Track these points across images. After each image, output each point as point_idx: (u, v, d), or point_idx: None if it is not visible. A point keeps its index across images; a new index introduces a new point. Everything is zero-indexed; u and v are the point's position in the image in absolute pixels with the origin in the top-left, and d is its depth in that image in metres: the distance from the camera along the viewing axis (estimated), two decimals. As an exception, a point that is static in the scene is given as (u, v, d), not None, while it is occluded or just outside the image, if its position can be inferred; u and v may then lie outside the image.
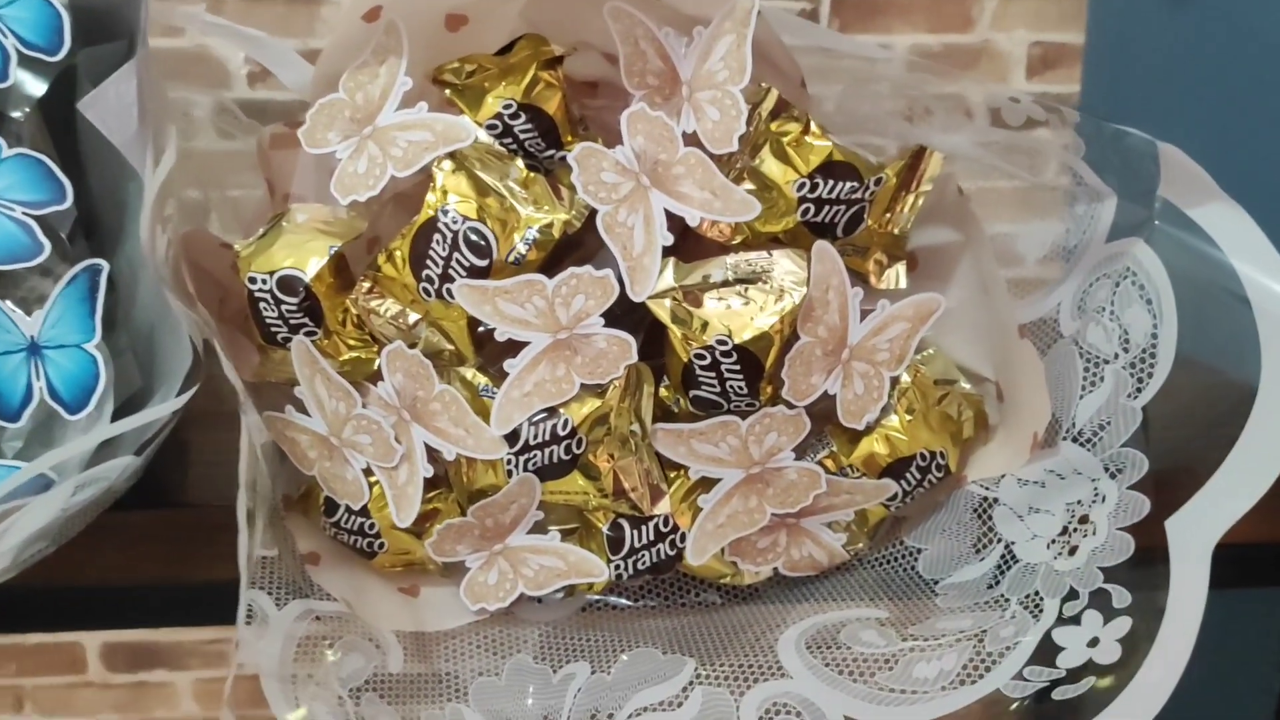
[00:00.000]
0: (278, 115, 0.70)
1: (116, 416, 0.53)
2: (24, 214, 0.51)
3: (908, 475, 0.52)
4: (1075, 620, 0.45)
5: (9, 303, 0.52)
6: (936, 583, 0.51)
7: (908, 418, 0.51)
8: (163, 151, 0.50)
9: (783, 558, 0.54)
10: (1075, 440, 0.50)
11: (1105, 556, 0.46)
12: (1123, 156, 0.48)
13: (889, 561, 0.54)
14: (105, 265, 0.53)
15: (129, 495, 0.56)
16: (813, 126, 0.51)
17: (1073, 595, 0.46)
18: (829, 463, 0.53)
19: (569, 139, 0.52)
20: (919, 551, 0.53)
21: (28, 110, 0.51)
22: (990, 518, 0.52)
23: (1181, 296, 0.47)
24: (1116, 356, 0.48)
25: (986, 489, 0.52)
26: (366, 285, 0.52)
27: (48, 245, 0.52)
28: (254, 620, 0.46)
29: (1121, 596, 0.45)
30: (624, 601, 0.54)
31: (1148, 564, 0.45)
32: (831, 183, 0.51)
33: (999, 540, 0.51)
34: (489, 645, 0.53)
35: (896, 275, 0.54)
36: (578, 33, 0.55)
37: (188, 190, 0.62)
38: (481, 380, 0.52)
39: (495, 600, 0.54)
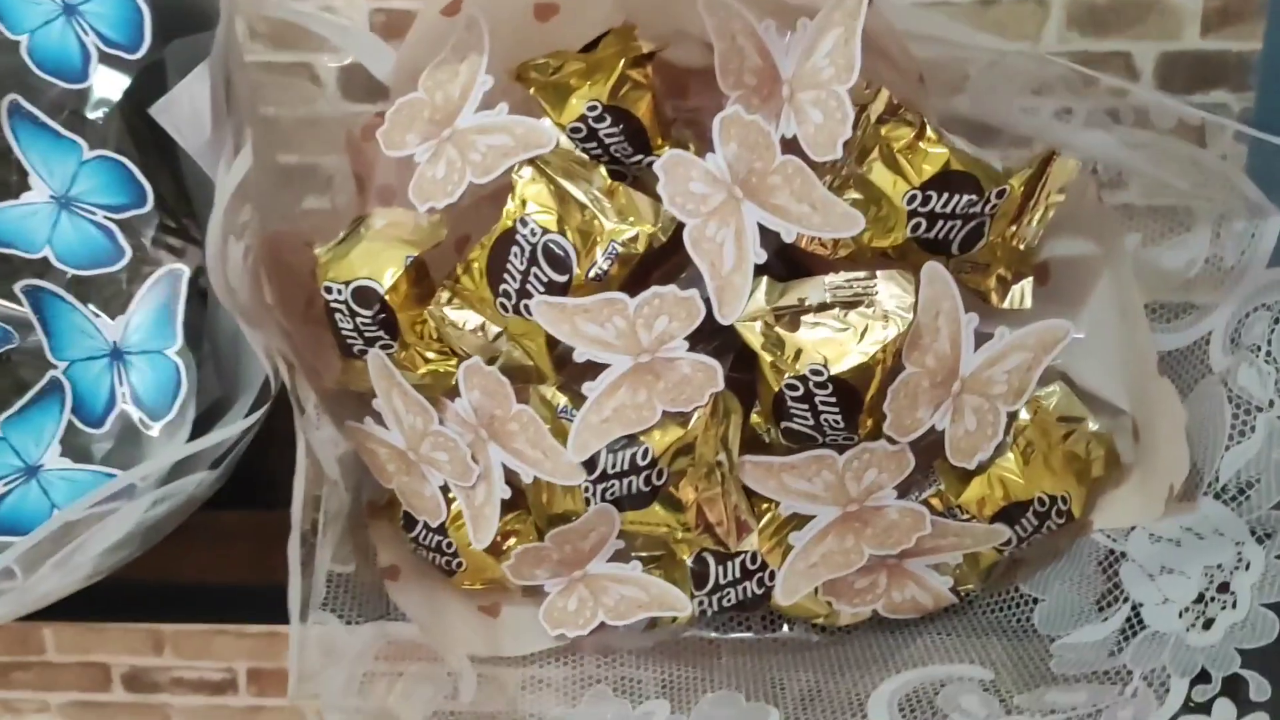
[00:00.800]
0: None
1: (198, 424, 0.52)
2: (105, 218, 0.51)
3: (1023, 520, 0.47)
4: (1205, 709, 0.40)
5: (92, 307, 0.51)
6: (1052, 640, 0.46)
7: (1025, 458, 0.46)
8: (236, 154, 0.48)
9: (883, 599, 0.50)
10: (1218, 496, 0.43)
11: (1246, 636, 0.40)
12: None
13: (1002, 609, 0.49)
14: (186, 270, 0.52)
15: (222, 494, 0.56)
16: (928, 131, 0.46)
17: (1204, 678, 0.40)
18: (935, 502, 0.48)
19: (659, 143, 0.48)
20: (1035, 602, 0.48)
21: (107, 111, 0.50)
22: (1117, 573, 0.46)
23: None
24: (1272, 404, 0.42)
25: (1114, 541, 0.46)
26: (446, 296, 0.50)
27: (129, 250, 0.51)
28: (320, 649, 0.45)
29: (1261, 688, 0.39)
30: (711, 634, 0.51)
31: (1295, 650, 0.39)
32: (947, 195, 0.45)
33: (1125, 600, 0.45)
34: (568, 673, 0.51)
35: (1021, 294, 0.48)
36: (678, 20, 0.51)
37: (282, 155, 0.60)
38: (561, 400, 0.49)
39: (575, 627, 0.51)
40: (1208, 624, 0.42)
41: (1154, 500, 0.45)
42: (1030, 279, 0.48)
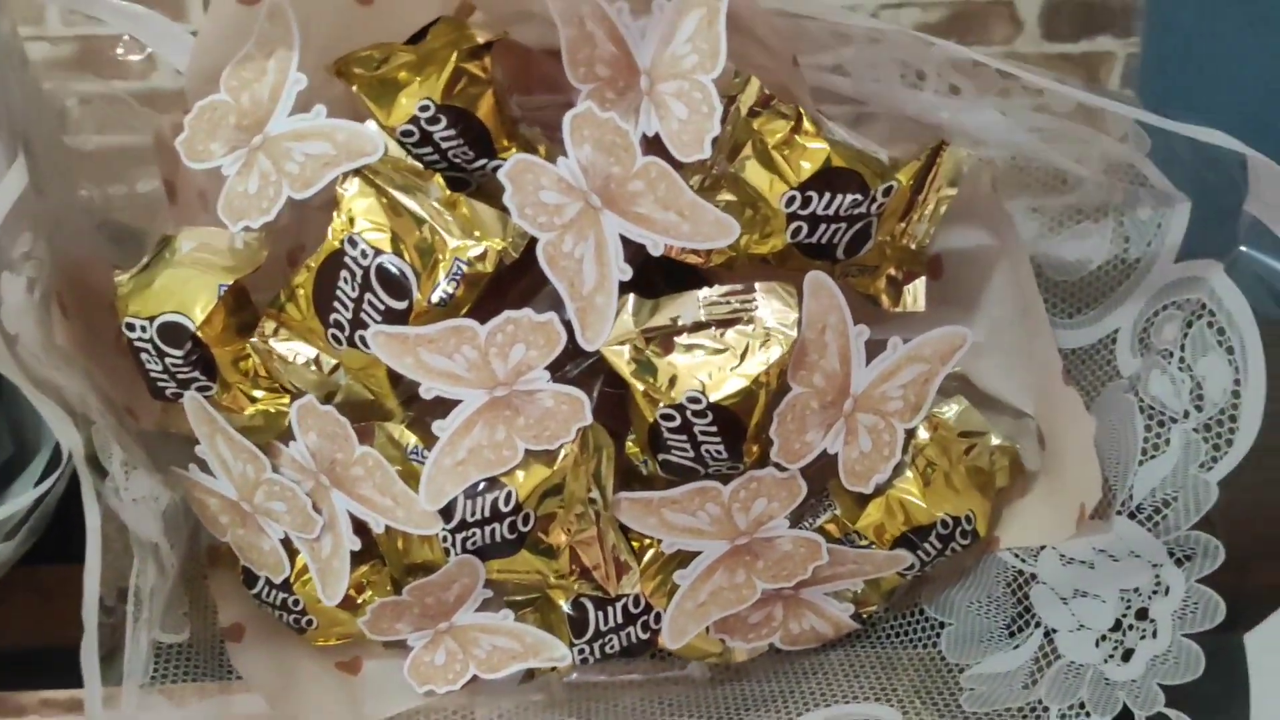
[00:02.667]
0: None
1: (-6, 486, 0.46)
2: None
3: (926, 545, 0.43)
4: (1128, 753, 0.37)
5: None
6: (961, 670, 0.43)
7: (926, 479, 0.42)
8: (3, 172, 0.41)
9: (779, 632, 0.45)
10: (1132, 516, 0.40)
11: (1169, 671, 0.37)
12: (1197, 160, 0.37)
13: (907, 634, 0.46)
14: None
15: (39, 548, 0.50)
16: (805, 123, 0.41)
17: (1126, 716, 0.37)
18: (832, 528, 0.44)
19: (505, 145, 0.43)
20: (942, 626, 0.45)
21: None
22: (1027, 596, 0.43)
23: (1272, 345, 0.37)
24: (1187, 415, 0.39)
25: (1023, 561, 0.43)
26: (271, 327, 0.43)
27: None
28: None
29: (1186, 731, 0.36)
30: (599, 677, 0.47)
31: (1223, 687, 0.36)
32: (829, 195, 0.40)
33: (1037, 625, 0.42)
34: (445, 733, 0.46)
35: (914, 294, 0.44)
36: (523, 1, 0.45)
37: (81, 190, 0.53)
38: (411, 439, 0.43)
39: (444, 682, 0.46)
40: (1127, 655, 0.39)
41: (1063, 519, 0.42)
42: (923, 279, 0.43)
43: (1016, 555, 0.43)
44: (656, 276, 0.44)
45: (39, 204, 0.44)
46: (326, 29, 0.43)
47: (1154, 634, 0.39)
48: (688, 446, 0.41)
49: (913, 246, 0.43)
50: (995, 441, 0.44)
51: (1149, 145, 0.38)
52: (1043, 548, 0.42)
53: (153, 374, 0.43)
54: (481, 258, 0.41)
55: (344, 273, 0.41)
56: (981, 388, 0.45)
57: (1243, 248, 0.37)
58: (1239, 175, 0.36)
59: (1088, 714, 0.38)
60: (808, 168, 0.41)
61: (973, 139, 0.45)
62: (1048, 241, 0.44)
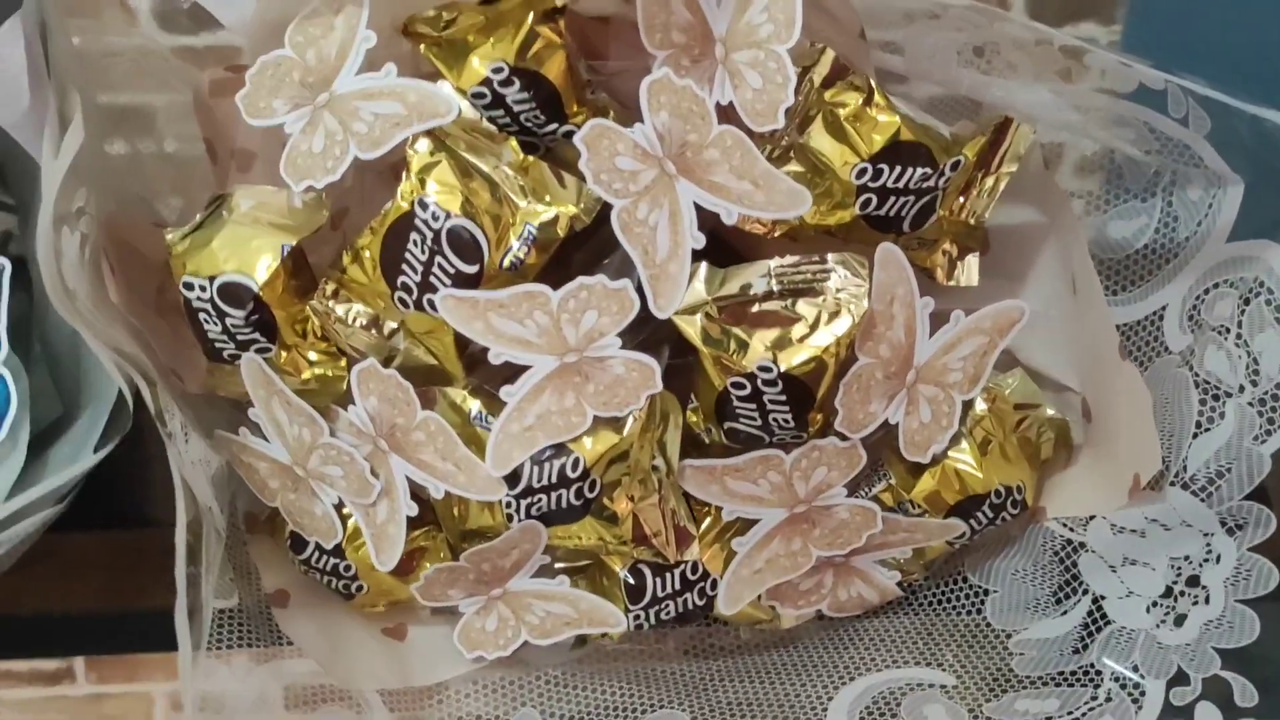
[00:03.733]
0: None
1: (34, 445, 0.45)
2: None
3: (979, 514, 0.45)
4: (1187, 713, 0.38)
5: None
6: (1009, 636, 0.44)
7: (982, 449, 0.43)
8: (66, 128, 0.40)
9: (828, 599, 0.46)
10: (1185, 486, 0.42)
11: (1224, 635, 0.39)
12: (1255, 140, 0.39)
13: (949, 602, 0.47)
14: (6, 264, 0.44)
15: (68, 515, 0.49)
16: (876, 96, 0.41)
17: (1181, 679, 0.39)
18: (886, 497, 0.45)
19: (575, 110, 0.42)
20: (986, 594, 0.46)
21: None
22: (1075, 565, 0.44)
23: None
24: (1242, 389, 0.40)
25: (1071, 530, 0.44)
26: (331, 289, 0.43)
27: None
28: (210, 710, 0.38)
29: (1246, 692, 0.37)
30: (640, 646, 0.47)
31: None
32: (899, 169, 0.41)
33: (1084, 592, 0.44)
34: (489, 697, 0.46)
35: (968, 269, 0.45)
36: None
37: (114, 144, 0.52)
38: (474, 405, 0.43)
39: (495, 648, 0.47)
40: (1179, 620, 0.41)
41: (1116, 490, 0.43)
42: (977, 254, 0.44)
43: (1065, 525, 0.44)
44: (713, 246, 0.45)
45: (89, 158, 0.43)
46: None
47: (1206, 600, 0.40)
48: (755, 415, 0.42)
49: (971, 222, 0.44)
50: (1048, 414, 0.45)
51: (1209, 126, 0.39)
52: (1092, 517, 0.43)
53: (211, 335, 0.43)
54: (553, 223, 0.41)
55: (414, 235, 0.41)
56: (1025, 362, 0.46)
57: (1304, 229, 0.38)
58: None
59: (1142, 676, 0.40)
60: (879, 140, 0.41)
61: (1023, 116, 0.45)
62: (1093, 220, 0.45)
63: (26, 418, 0.44)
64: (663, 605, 0.45)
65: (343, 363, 0.44)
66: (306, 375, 0.44)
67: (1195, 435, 0.41)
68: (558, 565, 0.46)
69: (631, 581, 0.45)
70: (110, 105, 0.50)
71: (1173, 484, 0.42)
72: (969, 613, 0.46)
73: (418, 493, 0.44)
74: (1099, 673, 0.41)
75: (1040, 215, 0.45)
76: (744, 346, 0.41)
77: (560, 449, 0.42)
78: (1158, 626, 0.41)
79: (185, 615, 0.37)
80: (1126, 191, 0.45)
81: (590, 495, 0.43)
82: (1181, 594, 0.41)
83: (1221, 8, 0.85)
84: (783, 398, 0.41)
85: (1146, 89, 0.41)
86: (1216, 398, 0.41)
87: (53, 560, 0.50)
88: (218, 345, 0.43)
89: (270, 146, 0.48)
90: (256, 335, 0.43)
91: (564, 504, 0.43)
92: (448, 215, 0.40)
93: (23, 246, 0.47)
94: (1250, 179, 0.41)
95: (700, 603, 0.45)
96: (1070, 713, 0.40)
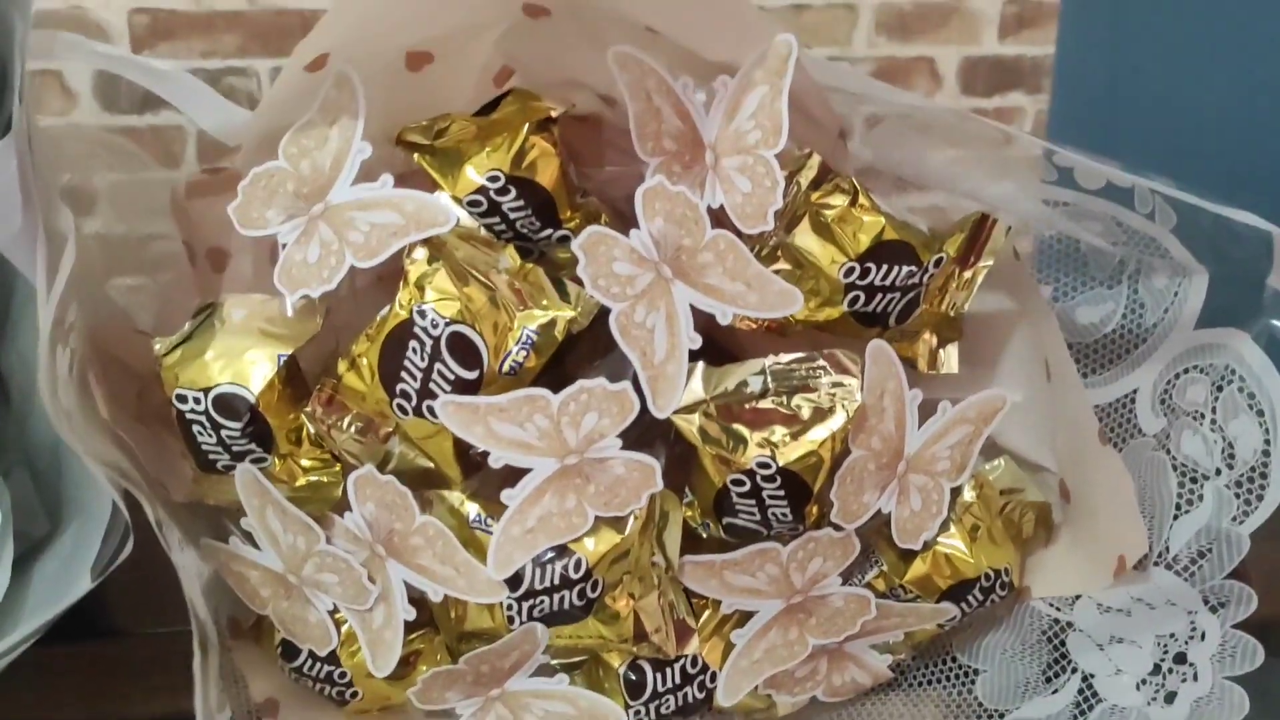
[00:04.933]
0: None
1: (19, 563, 0.44)
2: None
3: (970, 597, 0.46)
4: (1183, 793, 0.39)
5: None
6: (1001, 715, 0.45)
7: (971, 535, 0.45)
8: (61, 247, 0.39)
9: (823, 685, 0.47)
10: (1169, 567, 0.43)
11: (1214, 712, 0.40)
12: (1219, 235, 0.41)
13: (940, 682, 0.48)
14: (-11, 376, 0.43)
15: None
16: (861, 197, 0.43)
17: (1174, 753, 0.40)
18: (878, 583, 0.46)
19: (568, 215, 0.43)
20: (976, 673, 0.47)
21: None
22: (1063, 643, 0.45)
23: (1299, 409, 0.41)
24: (1219, 472, 0.42)
25: (1058, 610, 0.45)
26: (325, 396, 0.43)
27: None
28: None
29: (1243, 769, 0.39)
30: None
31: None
32: (886, 267, 0.43)
33: (1074, 670, 0.45)
34: (487, 801, 0.46)
35: (948, 358, 0.46)
36: (568, 68, 0.46)
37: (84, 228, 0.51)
38: (473, 508, 0.43)
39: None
40: (1170, 697, 0.42)
41: (1100, 569, 0.44)
42: (957, 343, 0.46)
43: (1052, 605, 0.46)
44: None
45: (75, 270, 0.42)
46: (380, 96, 0.43)
47: (1194, 677, 0.42)
48: (755, 510, 0.42)
49: (951, 314, 0.45)
50: (1030, 498, 0.46)
51: (1174, 221, 0.42)
52: (1078, 597, 0.45)
53: (205, 446, 0.42)
54: (551, 326, 0.41)
55: (412, 343, 0.41)
56: (1002, 446, 0.48)
57: (1273, 320, 0.40)
58: (1261, 251, 0.40)
59: (1138, 754, 0.41)
60: (865, 240, 0.43)
61: (991, 206, 0.47)
62: (1060, 305, 0.47)
63: (9, 536, 0.43)
64: (663, 700, 0.45)
65: (337, 469, 0.44)
66: (300, 482, 0.43)
67: (1176, 517, 0.43)
68: (554, 663, 0.46)
69: (632, 678, 0.45)
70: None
71: (1156, 564, 0.43)
72: (959, 692, 0.47)
73: (413, 595, 0.44)
74: (1094, 751, 0.42)
75: (1012, 303, 0.47)
76: (743, 443, 0.42)
77: (562, 550, 0.42)
78: (1149, 704, 0.42)
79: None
80: (1092, 279, 0.47)
81: (592, 595, 0.43)
82: (1170, 671, 0.42)
83: (1145, 80, 0.89)
84: (781, 492, 0.42)
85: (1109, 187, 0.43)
86: (1194, 480, 0.43)
87: (28, 673, 0.48)
88: (211, 457, 0.43)
89: (245, 246, 0.49)
90: (252, 446, 0.42)
91: (566, 605, 0.43)
92: (447, 322, 0.41)
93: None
94: (1214, 270, 0.43)
95: (700, 695, 0.45)
96: (1071, 791, 0.41)
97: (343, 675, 0.45)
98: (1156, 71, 0.98)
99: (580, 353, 0.44)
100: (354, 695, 0.46)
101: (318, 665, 0.45)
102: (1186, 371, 0.44)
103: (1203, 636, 0.42)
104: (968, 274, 0.45)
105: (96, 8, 0.77)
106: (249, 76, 0.76)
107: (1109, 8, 0.96)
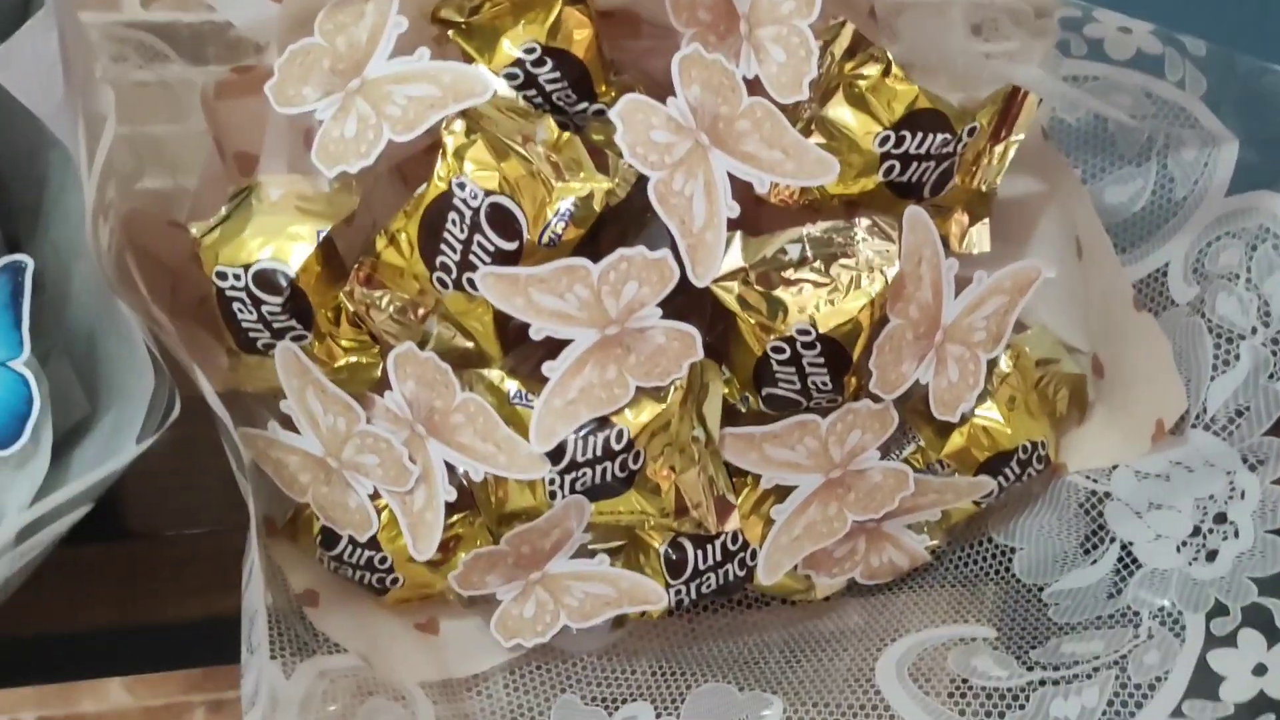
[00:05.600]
0: (188, 44, 0.59)
1: (59, 448, 0.43)
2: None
3: (1007, 470, 0.46)
4: (1230, 641, 0.39)
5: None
6: (1041, 589, 0.46)
7: (1009, 405, 0.45)
8: (101, 120, 0.39)
9: (860, 566, 0.47)
10: (1206, 427, 0.43)
11: (1256, 564, 0.41)
12: (1250, 96, 0.41)
13: (976, 563, 0.48)
14: (29, 262, 0.43)
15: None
16: (894, 68, 0.43)
17: (1221, 610, 0.40)
18: (916, 459, 0.46)
19: (603, 88, 0.43)
20: (1012, 551, 0.47)
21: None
22: (1101, 514, 0.46)
23: (1336, 263, 0.41)
24: (1254, 331, 0.42)
25: (1094, 481, 0.46)
26: (364, 274, 0.43)
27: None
28: (268, 704, 0.37)
29: (1287, 614, 0.39)
30: (677, 623, 0.47)
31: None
32: (920, 135, 0.43)
33: (1113, 540, 0.45)
34: (529, 685, 0.46)
35: (979, 236, 0.47)
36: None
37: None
38: (512, 385, 0.43)
39: (533, 635, 0.46)
40: (1211, 555, 0.42)
41: (1138, 437, 0.45)
42: (987, 221, 0.46)
43: (1089, 477, 0.46)
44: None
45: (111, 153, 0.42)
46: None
47: (1236, 534, 0.42)
48: (795, 379, 0.42)
49: (983, 189, 0.46)
50: (1065, 369, 0.47)
51: (1204, 88, 0.42)
52: (1115, 466, 0.45)
53: (245, 324, 0.42)
54: (590, 198, 0.41)
55: (452, 214, 0.41)
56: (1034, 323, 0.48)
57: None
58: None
59: (1180, 613, 0.41)
60: (899, 109, 0.43)
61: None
62: (1088, 187, 0.47)
63: (49, 420, 0.42)
64: (704, 578, 0.45)
65: (375, 349, 0.44)
66: (340, 363, 0.44)
67: (1213, 378, 0.43)
68: (595, 546, 0.46)
69: (673, 556, 0.45)
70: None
71: (1194, 426, 0.44)
72: (997, 572, 0.47)
73: (453, 478, 0.44)
74: (1137, 613, 0.42)
75: (1042, 183, 0.47)
76: (782, 310, 0.42)
77: (603, 422, 0.42)
78: (1190, 564, 0.42)
79: (263, 613, 0.36)
80: (1120, 158, 0.47)
81: (634, 467, 0.43)
82: (1210, 531, 0.43)
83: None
84: (821, 360, 0.42)
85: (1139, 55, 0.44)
86: (1230, 340, 0.43)
87: (60, 574, 0.48)
88: (252, 335, 0.43)
89: (274, 147, 0.49)
90: (293, 323, 0.42)
91: (609, 477, 0.43)
92: (486, 194, 0.41)
93: (30, 248, 0.46)
94: (1243, 133, 0.43)
95: (740, 573, 0.45)
96: (1116, 651, 0.41)
97: (383, 561, 0.45)
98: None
99: (616, 227, 0.44)
100: (394, 582, 0.46)
101: (358, 551, 0.45)
102: (1219, 239, 0.44)
103: (1242, 495, 0.42)
104: (999, 148, 0.45)
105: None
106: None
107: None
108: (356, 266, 0.43)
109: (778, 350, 0.42)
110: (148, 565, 0.50)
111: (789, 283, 0.42)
